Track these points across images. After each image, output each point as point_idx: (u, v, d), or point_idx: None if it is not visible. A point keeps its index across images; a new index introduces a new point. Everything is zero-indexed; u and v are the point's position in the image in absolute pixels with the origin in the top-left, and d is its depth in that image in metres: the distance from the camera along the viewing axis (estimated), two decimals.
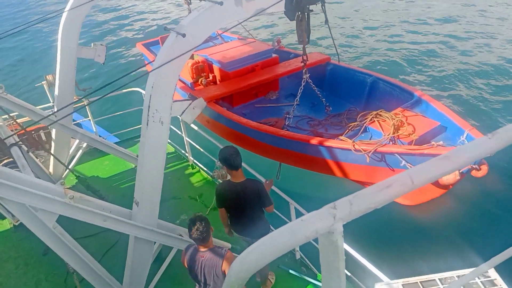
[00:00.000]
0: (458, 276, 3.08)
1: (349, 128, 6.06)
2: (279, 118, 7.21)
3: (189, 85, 8.22)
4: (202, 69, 8.31)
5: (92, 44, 6.33)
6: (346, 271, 4.74)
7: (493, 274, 3.06)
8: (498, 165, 5.29)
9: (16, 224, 6.54)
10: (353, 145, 5.25)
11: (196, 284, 3.97)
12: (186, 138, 7.53)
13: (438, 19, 16.01)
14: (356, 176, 5.92)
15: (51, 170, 7.05)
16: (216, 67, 8.11)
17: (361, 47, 14.24)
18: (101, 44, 6.33)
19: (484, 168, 4.53)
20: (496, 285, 3.03)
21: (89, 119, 8.23)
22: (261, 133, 6.29)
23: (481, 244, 6.10)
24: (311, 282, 4.70)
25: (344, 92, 7.74)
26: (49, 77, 7.23)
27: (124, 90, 8.43)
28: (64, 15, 5.72)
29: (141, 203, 4.33)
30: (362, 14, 17.05)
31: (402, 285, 3.08)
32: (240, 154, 4.22)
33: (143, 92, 8.15)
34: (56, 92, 6.30)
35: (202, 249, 3.78)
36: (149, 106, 3.97)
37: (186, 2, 7.99)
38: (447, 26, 15.32)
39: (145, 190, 4.31)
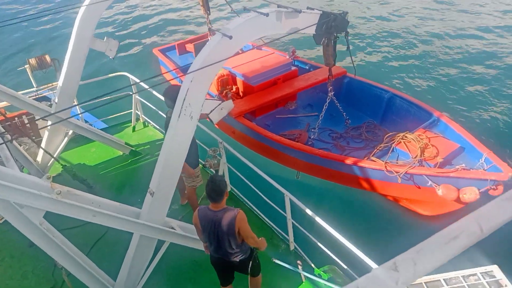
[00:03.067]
0: (463, 276, 3.00)
1: (378, 148, 6.59)
2: (302, 130, 7.68)
3: (215, 98, 8.30)
4: (226, 82, 8.62)
5: (105, 37, 6.40)
6: (351, 272, 4.70)
7: (498, 274, 2.99)
8: None
9: (1, 222, 6.30)
10: (385, 167, 5.85)
11: (208, 243, 4.13)
12: None
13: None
14: (385, 191, 6.54)
15: (37, 158, 6.80)
16: (239, 80, 8.42)
17: (375, 63, 13.96)
18: (114, 39, 6.46)
19: (501, 188, 5.20)
20: (501, 285, 2.97)
21: (75, 104, 7.95)
22: (296, 151, 6.81)
23: (486, 245, 6.17)
24: (308, 277, 4.60)
25: (360, 105, 8.13)
26: (32, 61, 6.95)
27: (111, 75, 8.18)
28: (86, 1, 5.87)
29: (156, 194, 4.31)
30: (378, 28, 16.70)
31: (408, 286, 3.00)
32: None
33: (130, 76, 7.91)
34: (61, 82, 6.22)
35: (215, 209, 3.90)
36: (184, 99, 4.07)
37: (205, 13, 8.10)
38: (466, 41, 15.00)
39: (162, 180, 4.31)
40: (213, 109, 4.56)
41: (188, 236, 4.92)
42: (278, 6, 4.79)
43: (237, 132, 8.00)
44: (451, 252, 0.78)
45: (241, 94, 8.52)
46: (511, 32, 15.31)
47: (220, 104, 4.61)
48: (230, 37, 4.13)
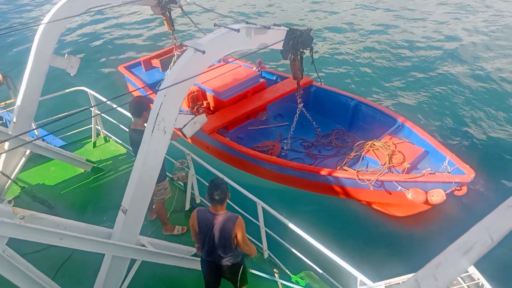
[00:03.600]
0: None
1: (348, 157, 6.83)
2: (275, 141, 7.89)
3: (188, 113, 8.31)
4: (197, 98, 8.65)
5: (65, 54, 6.26)
6: (327, 276, 4.74)
7: (471, 269, 3.10)
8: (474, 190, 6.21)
9: None
10: (357, 176, 6.10)
11: (201, 245, 4.19)
12: None
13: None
14: (358, 197, 6.77)
15: None
16: (210, 95, 8.49)
17: (337, 71, 14.23)
18: (75, 56, 6.34)
19: (464, 189, 5.57)
20: (474, 279, 3.08)
21: (36, 127, 7.62)
22: (272, 164, 6.96)
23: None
24: (286, 285, 4.59)
25: (328, 112, 8.41)
26: None
27: (68, 90, 7.89)
28: (45, 20, 5.71)
29: (129, 211, 4.18)
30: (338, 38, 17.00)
31: (385, 286, 3.05)
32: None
33: (89, 91, 7.67)
34: (19, 101, 5.96)
35: (215, 212, 3.97)
36: (157, 114, 4.04)
37: (170, 29, 8.09)
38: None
39: (135, 197, 4.19)
40: (186, 124, 4.53)
41: (160, 252, 4.80)
42: (247, 23, 4.90)
43: (211, 147, 8.01)
44: (467, 263, 0.80)
45: (212, 109, 8.57)
46: (463, 36, 16.10)
47: (193, 118, 4.60)
48: (203, 52, 4.17)
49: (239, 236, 3.93)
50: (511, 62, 13.72)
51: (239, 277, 4.21)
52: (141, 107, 5.25)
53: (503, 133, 10.12)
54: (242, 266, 4.24)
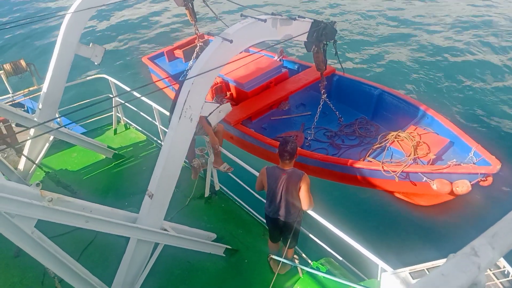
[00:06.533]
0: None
1: (373, 148, 6.84)
2: (298, 131, 7.92)
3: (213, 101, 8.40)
4: (221, 89, 8.79)
5: (90, 43, 6.41)
6: (348, 263, 4.75)
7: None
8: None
9: None
10: (382, 167, 6.08)
11: (268, 202, 4.63)
12: (160, 126, 7.21)
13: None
14: (382, 188, 6.72)
15: (19, 166, 6.58)
16: (232, 86, 8.59)
17: (361, 59, 14.09)
18: (100, 45, 6.50)
19: (490, 179, 5.52)
20: (499, 267, 3.06)
21: (63, 115, 7.77)
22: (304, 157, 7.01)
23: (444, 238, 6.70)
24: (307, 271, 4.60)
25: (351, 101, 8.34)
26: (7, 66, 6.74)
27: (89, 77, 8.00)
28: (71, 9, 5.87)
29: (155, 196, 4.31)
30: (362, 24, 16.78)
31: (409, 273, 3.05)
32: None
33: (110, 78, 7.75)
34: (45, 88, 6.14)
35: (285, 168, 4.39)
36: (185, 101, 4.16)
37: (192, 20, 8.07)
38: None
39: (161, 182, 4.32)
40: (212, 112, 4.65)
41: (182, 237, 4.87)
42: (273, 14, 4.94)
43: (236, 137, 8.08)
44: None
45: (235, 100, 8.64)
46: (494, 26, 15.74)
47: (218, 107, 4.69)
48: (231, 41, 4.27)
49: (304, 189, 4.31)
50: None
51: (292, 233, 4.54)
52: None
53: None
54: (295, 225, 4.58)
